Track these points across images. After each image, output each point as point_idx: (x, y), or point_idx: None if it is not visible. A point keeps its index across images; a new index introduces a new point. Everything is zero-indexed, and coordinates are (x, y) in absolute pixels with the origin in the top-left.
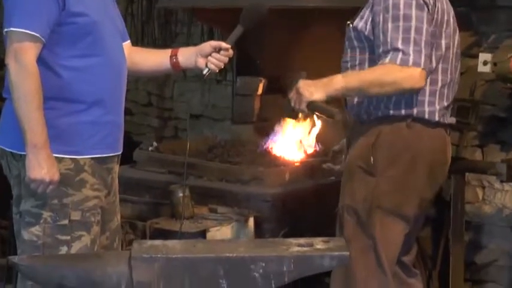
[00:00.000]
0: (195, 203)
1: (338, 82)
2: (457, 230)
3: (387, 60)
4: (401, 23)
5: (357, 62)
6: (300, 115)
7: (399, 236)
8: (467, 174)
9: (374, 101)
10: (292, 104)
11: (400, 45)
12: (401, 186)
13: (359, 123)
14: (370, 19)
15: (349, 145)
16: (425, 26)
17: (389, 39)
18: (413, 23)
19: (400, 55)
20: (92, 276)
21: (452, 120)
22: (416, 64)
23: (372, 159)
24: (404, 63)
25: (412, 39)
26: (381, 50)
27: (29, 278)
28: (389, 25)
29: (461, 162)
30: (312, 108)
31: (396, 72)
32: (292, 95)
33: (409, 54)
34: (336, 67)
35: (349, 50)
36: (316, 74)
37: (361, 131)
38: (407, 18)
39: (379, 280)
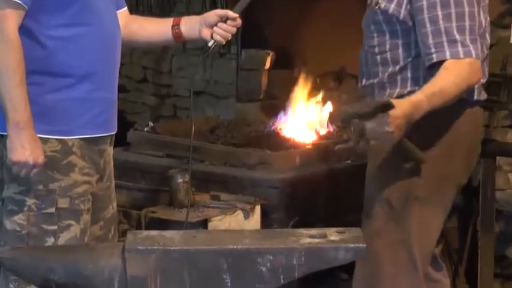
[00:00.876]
0: (195, 190)
1: (423, 107)
2: (487, 220)
3: (447, 55)
4: (453, 10)
5: (387, 48)
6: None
7: (437, 230)
8: (498, 158)
9: (408, 75)
10: (373, 137)
11: (457, 36)
12: (441, 172)
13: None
14: (405, 2)
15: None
16: (476, 9)
17: (442, 29)
18: (466, 9)
19: (460, 48)
20: (81, 270)
21: (484, 96)
22: (477, 56)
23: (404, 139)
24: (467, 55)
25: (467, 27)
26: (430, 40)
27: (12, 272)
28: (439, 13)
29: (491, 144)
30: (400, 148)
31: (464, 71)
32: (373, 126)
33: (468, 45)
34: (347, 39)
35: (375, 35)
36: (325, 45)
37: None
38: (458, 3)
39: (409, 278)
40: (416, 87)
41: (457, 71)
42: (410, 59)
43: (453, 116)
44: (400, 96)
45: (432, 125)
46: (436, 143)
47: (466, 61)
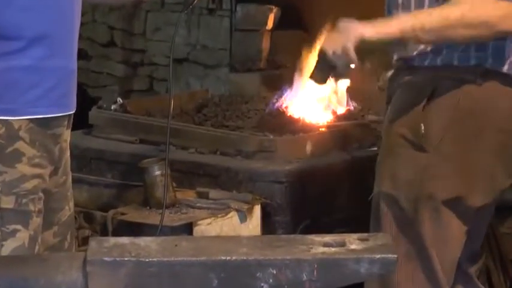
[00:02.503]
0: (177, 185)
1: (403, 21)
2: None
3: None
4: None
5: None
6: (334, 75)
7: (459, 237)
8: None
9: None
10: (331, 52)
11: None
12: (464, 166)
13: (405, 69)
14: None
15: (389, 100)
16: None
17: None
18: None
19: None
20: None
21: None
22: None
23: (422, 127)
24: None
25: None
26: None
27: None
28: None
29: None
30: (365, 49)
31: (488, 8)
32: (328, 41)
33: None
34: None
35: None
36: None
37: (408, 83)
38: None
39: None
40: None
41: (476, 3)
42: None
43: (486, 95)
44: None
45: (458, 106)
46: (462, 130)
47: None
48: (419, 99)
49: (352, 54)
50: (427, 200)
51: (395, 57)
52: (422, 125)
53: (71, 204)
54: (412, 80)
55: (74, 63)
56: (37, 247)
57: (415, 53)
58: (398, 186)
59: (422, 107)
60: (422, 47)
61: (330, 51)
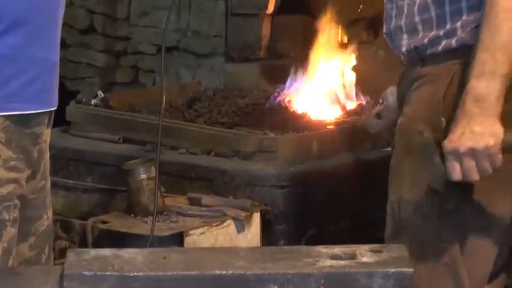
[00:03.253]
0: (166, 190)
1: (495, 67)
2: None
3: None
4: None
5: None
6: None
7: (491, 250)
8: None
9: (446, 21)
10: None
11: None
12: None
13: (418, 61)
14: None
15: (401, 101)
16: None
17: None
18: None
19: None
20: None
21: None
22: None
23: (443, 121)
24: None
25: None
26: None
27: None
28: None
29: None
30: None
31: None
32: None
33: None
34: None
35: None
36: None
37: (422, 74)
38: None
39: None
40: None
41: None
42: None
43: None
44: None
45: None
46: None
47: None
48: (436, 89)
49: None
50: (452, 208)
51: (403, 49)
52: (443, 118)
53: (50, 212)
54: (427, 70)
55: (56, 55)
56: (11, 261)
57: (426, 41)
58: (419, 191)
59: (442, 98)
60: (433, 32)
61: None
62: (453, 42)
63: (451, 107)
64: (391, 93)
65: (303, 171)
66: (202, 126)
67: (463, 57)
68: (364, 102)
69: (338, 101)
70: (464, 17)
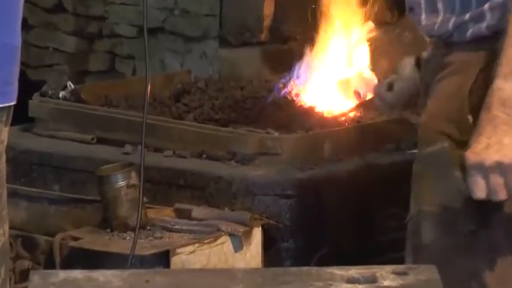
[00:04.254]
0: (149, 200)
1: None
2: None
3: None
4: None
5: None
6: None
7: None
8: None
9: (471, 1)
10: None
11: None
12: None
13: (443, 47)
14: None
15: (426, 90)
16: None
17: None
18: None
19: None
20: None
21: None
22: None
23: (470, 119)
24: None
25: None
26: None
27: None
28: None
29: None
30: None
31: None
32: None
33: None
34: None
35: None
36: None
37: (448, 62)
38: None
39: None
40: None
41: None
42: None
43: None
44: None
45: None
46: None
47: None
48: (464, 81)
49: None
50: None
51: (424, 30)
52: (469, 116)
53: (6, 227)
54: (454, 57)
55: (17, 38)
56: None
57: (450, 26)
58: (444, 201)
59: (468, 92)
60: (456, 16)
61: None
62: (483, 28)
63: (480, 103)
64: (409, 64)
65: (313, 178)
66: (192, 124)
67: (494, 42)
68: None
69: (355, 93)
70: None
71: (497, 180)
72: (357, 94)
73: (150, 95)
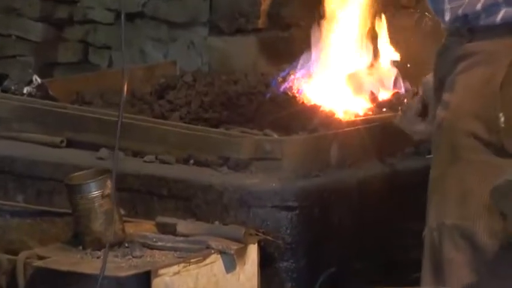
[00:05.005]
0: (126, 213)
1: None
2: None
3: None
4: None
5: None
6: None
7: None
8: None
9: None
10: None
11: None
12: None
13: (464, 34)
14: None
15: (440, 85)
16: None
17: None
18: None
19: None
20: None
21: None
22: None
23: (501, 117)
24: None
25: None
26: None
27: None
28: None
29: None
30: None
31: None
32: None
33: None
34: None
35: None
36: None
37: (471, 51)
38: None
39: None
40: None
41: None
42: None
43: None
44: None
45: None
46: None
47: None
48: (492, 74)
49: None
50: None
51: (446, 17)
52: (501, 114)
53: None
54: (478, 46)
55: None
56: None
57: (479, 7)
58: (473, 213)
59: (500, 86)
60: None
61: None
62: None
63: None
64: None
65: (318, 187)
66: (177, 124)
67: None
68: (402, 91)
69: (366, 90)
70: None
71: None
72: (372, 95)
73: (129, 91)
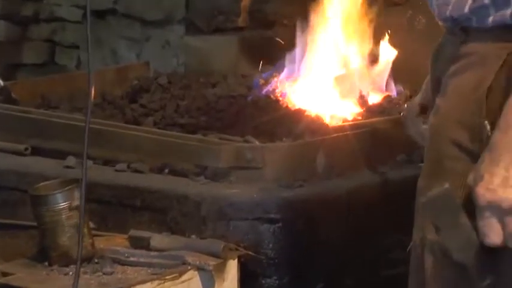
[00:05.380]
0: (96, 226)
1: None
2: None
3: None
4: None
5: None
6: None
7: None
8: None
9: None
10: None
11: None
12: None
13: (458, 33)
14: None
15: (436, 85)
16: None
17: None
18: None
19: None
20: None
21: None
22: None
23: (487, 126)
24: None
25: None
26: None
27: None
28: None
29: None
30: None
31: None
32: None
33: None
34: None
35: None
36: None
37: (464, 53)
38: None
39: None
40: None
41: None
42: None
43: None
44: None
45: None
46: None
47: None
48: (482, 78)
49: None
50: (504, 250)
51: (435, 13)
52: (486, 121)
53: None
54: (472, 48)
55: None
56: None
57: (466, 9)
58: (449, 233)
59: (486, 92)
60: None
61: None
62: (508, 16)
63: (499, 106)
64: None
65: (302, 198)
66: (151, 130)
67: None
68: (394, 94)
69: (356, 93)
70: None
71: None
72: (362, 98)
73: (100, 94)
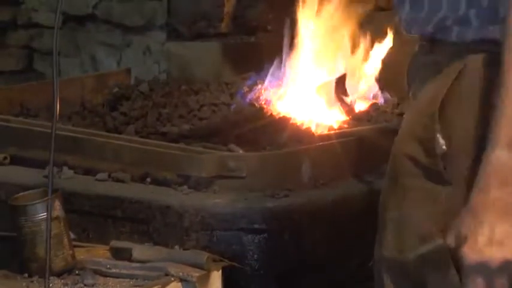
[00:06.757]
0: (76, 237)
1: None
2: None
3: None
4: None
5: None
6: None
7: None
8: None
9: (462, 4)
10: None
11: None
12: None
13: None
14: None
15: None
16: None
17: None
18: None
19: None
20: None
21: None
22: None
23: (440, 140)
24: None
25: None
26: None
27: None
28: None
29: None
30: None
31: None
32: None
33: None
34: None
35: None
36: None
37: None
38: None
39: None
40: None
41: None
42: None
43: None
44: None
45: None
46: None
47: None
48: (437, 91)
49: None
50: (453, 274)
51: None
52: (439, 135)
53: None
54: (436, 58)
55: None
56: None
57: (430, 28)
58: (406, 247)
59: (440, 103)
60: (441, 13)
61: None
62: (469, 34)
63: (454, 118)
64: None
65: (288, 208)
66: (132, 139)
67: (486, 50)
68: (381, 101)
69: (341, 100)
70: (483, 4)
71: (503, 284)
72: (348, 106)
73: (78, 102)
